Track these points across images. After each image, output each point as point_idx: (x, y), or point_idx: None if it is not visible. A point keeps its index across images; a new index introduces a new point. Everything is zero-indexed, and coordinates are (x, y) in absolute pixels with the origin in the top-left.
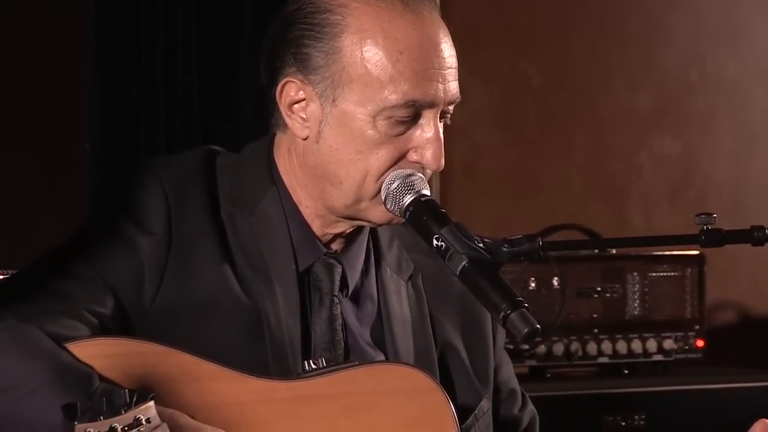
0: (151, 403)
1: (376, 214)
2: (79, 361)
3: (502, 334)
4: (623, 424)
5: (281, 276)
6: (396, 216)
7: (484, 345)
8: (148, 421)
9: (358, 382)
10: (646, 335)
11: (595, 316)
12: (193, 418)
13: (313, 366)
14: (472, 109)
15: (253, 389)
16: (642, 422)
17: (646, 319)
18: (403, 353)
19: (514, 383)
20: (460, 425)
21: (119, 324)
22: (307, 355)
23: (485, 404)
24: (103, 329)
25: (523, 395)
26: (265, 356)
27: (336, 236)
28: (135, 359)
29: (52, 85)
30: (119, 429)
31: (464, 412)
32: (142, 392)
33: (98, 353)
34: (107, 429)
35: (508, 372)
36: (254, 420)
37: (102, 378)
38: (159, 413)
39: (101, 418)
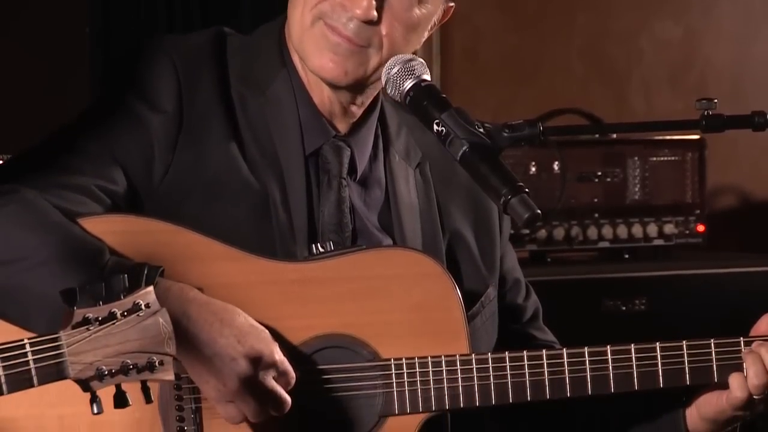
0: (150, 288)
1: (315, 60)
2: (90, 234)
3: (507, 223)
4: (623, 308)
5: (289, 158)
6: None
7: (491, 233)
8: (147, 306)
9: (366, 265)
10: (647, 220)
11: (596, 200)
12: None
13: (321, 249)
14: None
15: (260, 270)
16: (642, 306)
17: (646, 203)
18: (410, 239)
19: (519, 273)
20: (466, 312)
21: (128, 202)
22: (314, 238)
23: (492, 292)
24: (112, 207)
25: (527, 286)
26: (272, 238)
27: (342, 116)
28: (143, 237)
29: None
30: (118, 314)
31: (471, 299)
32: (152, 266)
33: (106, 230)
34: (106, 314)
35: (513, 262)
36: (261, 301)
37: (112, 252)
38: (168, 287)
39: (100, 303)
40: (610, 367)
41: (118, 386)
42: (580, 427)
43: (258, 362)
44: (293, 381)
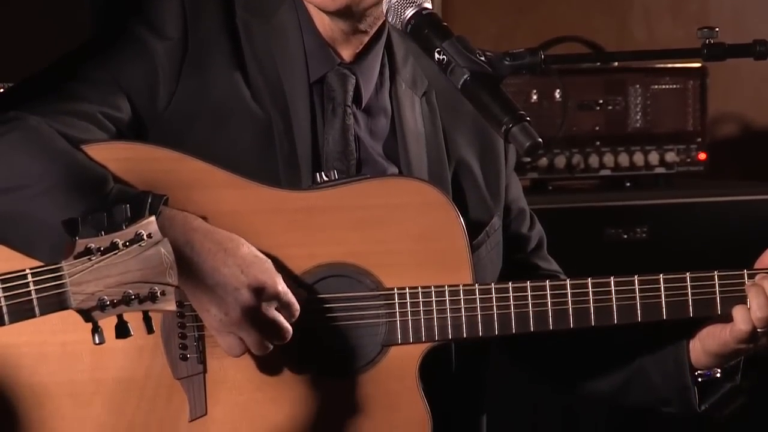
0: (152, 218)
1: None
2: (94, 161)
3: (513, 153)
4: (625, 236)
5: (294, 86)
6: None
7: (496, 162)
8: (149, 236)
9: (370, 195)
10: (648, 148)
11: (597, 128)
12: None
13: (325, 178)
14: None
15: (264, 198)
16: (644, 234)
17: (648, 131)
18: (416, 167)
19: (524, 203)
20: (470, 241)
21: (133, 130)
22: (318, 167)
23: (496, 221)
24: (117, 134)
25: (531, 215)
26: (276, 166)
27: (346, 44)
28: (147, 164)
29: None
30: (120, 244)
31: (476, 228)
32: (156, 195)
33: (110, 157)
34: (108, 244)
35: (518, 191)
36: (264, 229)
37: (116, 180)
38: (172, 216)
39: (102, 233)
40: (614, 299)
41: (119, 316)
42: (582, 358)
43: (261, 293)
44: (296, 312)
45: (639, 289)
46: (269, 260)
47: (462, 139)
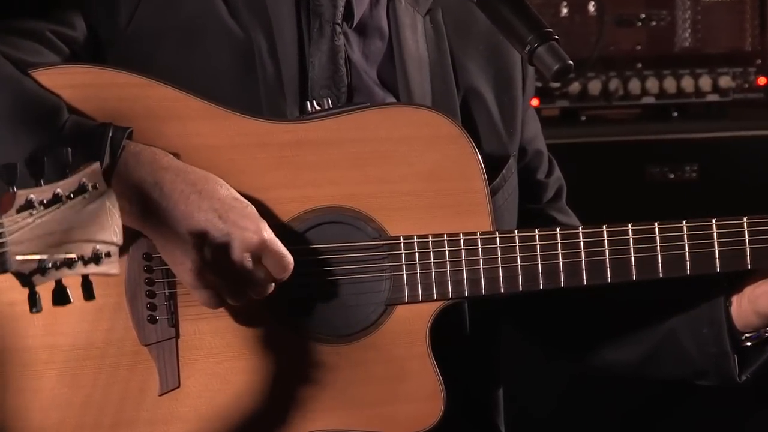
0: (96, 165)
1: None
2: (45, 89)
3: (532, 82)
4: (671, 176)
5: (276, 1)
6: None
7: (513, 94)
8: (94, 186)
9: (370, 126)
10: (699, 71)
11: (639, 48)
12: None
13: (317, 107)
14: None
15: (246, 131)
16: (693, 174)
17: (698, 51)
18: (417, 97)
19: (542, 144)
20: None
21: (90, 52)
22: (305, 95)
23: (513, 164)
24: (71, 57)
25: (550, 160)
26: (257, 94)
27: None
28: (109, 91)
29: None
30: (64, 196)
31: (491, 170)
32: (119, 127)
33: (66, 83)
34: (51, 196)
35: (535, 130)
36: (246, 167)
37: (72, 110)
38: (138, 152)
39: (43, 182)
40: (658, 248)
41: (58, 282)
42: (602, 322)
43: (242, 242)
44: (289, 266)
45: (688, 236)
46: (251, 205)
47: (473, 65)
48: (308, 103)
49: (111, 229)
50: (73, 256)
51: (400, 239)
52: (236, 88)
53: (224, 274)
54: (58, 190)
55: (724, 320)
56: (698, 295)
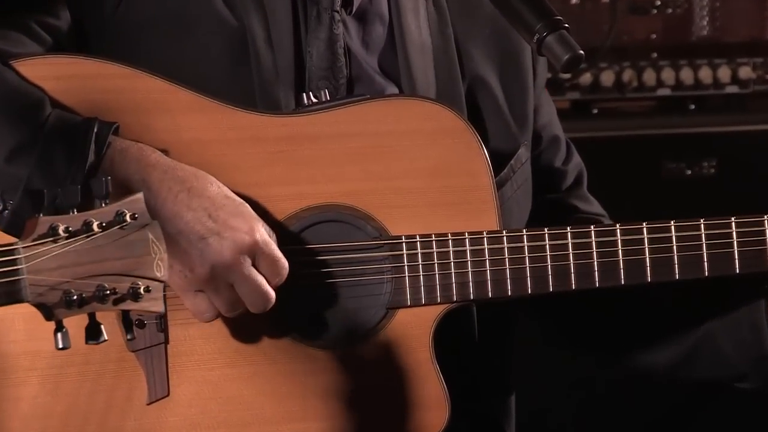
0: (140, 196)
1: None
2: (27, 81)
3: (544, 66)
4: (689, 171)
5: None
6: None
7: (522, 80)
8: (134, 217)
9: (371, 119)
10: (717, 61)
11: (654, 36)
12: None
13: (314, 99)
14: None
15: (239, 125)
16: (712, 170)
17: (716, 40)
18: (421, 86)
19: (558, 129)
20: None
21: (74, 42)
22: (302, 87)
23: (523, 153)
24: (55, 47)
25: (568, 145)
26: (251, 85)
27: None
28: (93, 83)
29: None
30: (95, 225)
31: (498, 162)
32: (104, 122)
33: (49, 74)
34: (80, 225)
35: (551, 115)
36: (239, 162)
37: (55, 104)
38: (125, 148)
39: (74, 211)
40: (675, 248)
41: (91, 315)
42: (636, 324)
43: (234, 243)
44: (284, 270)
45: (706, 235)
46: (245, 202)
47: (478, 52)
48: (305, 95)
49: (154, 263)
50: (105, 289)
51: (401, 239)
52: (229, 79)
53: (215, 279)
54: (90, 219)
55: (766, 325)
56: (737, 297)
